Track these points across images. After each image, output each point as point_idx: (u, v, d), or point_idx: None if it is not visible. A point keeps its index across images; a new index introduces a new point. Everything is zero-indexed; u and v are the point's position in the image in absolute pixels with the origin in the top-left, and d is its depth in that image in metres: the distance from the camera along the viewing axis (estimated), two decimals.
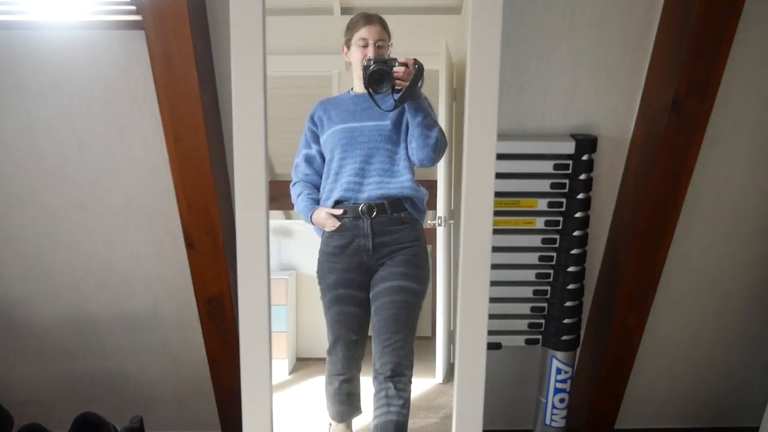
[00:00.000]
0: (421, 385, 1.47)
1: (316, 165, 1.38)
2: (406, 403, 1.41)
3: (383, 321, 1.38)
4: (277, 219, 1.49)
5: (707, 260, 1.74)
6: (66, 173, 1.55)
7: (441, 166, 1.40)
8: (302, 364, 1.55)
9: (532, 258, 1.55)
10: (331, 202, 1.35)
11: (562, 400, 1.62)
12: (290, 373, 1.54)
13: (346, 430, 1.47)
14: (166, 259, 1.66)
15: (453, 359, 1.44)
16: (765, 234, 1.72)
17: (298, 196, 1.37)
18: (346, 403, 1.44)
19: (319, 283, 1.40)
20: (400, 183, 1.35)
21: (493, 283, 1.51)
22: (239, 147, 1.08)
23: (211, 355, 1.66)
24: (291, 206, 1.39)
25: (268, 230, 1.14)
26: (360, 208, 1.35)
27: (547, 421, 1.65)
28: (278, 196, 1.43)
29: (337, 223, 1.35)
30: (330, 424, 1.49)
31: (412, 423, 1.42)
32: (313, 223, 1.38)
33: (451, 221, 1.47)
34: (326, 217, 1.35)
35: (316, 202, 1.37)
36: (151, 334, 1.79)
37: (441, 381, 1.52)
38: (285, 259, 1.51)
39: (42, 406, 1.83)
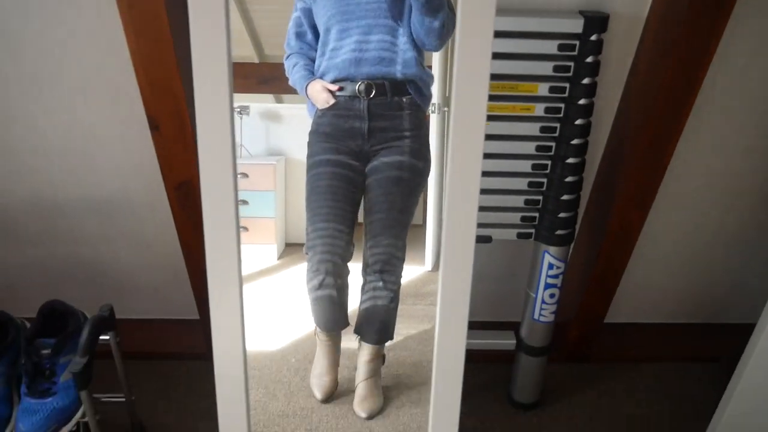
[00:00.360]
0: (410, 272, 1.41)
1: (309, 39, 1.24)
2: (395, 297, 1.37)
3: (377, 202, 1.30)
4: (265, 102, 1.41)
5: (717, 153, 1.63)
6: (11, 46, 1.39)
7: None
8: (291, 249, 1.52)
9: (529, 147, 1.43)
10: (327, 80, 1.23)
11: (552, 296, 1.57)
12: (279, 258, 1.52)
13: (331, 339, 1.43)
14: (132, 141, 1.53)
15: None
16: None
17: (293, 67, 1.25)
18: (329, 312, 1.39)
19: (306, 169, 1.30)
20: (405, 63, 1.21)
21: (485, 174, 1.41)
22: (195, 15, 0.91)
23: (185, 242, 1.58)
24: (281, 90, 1.29)
25: (233, 112, 1.00)
26: (357, 87, 1.22)
27: (536, 316, 1.61)
28: (268, 79, 1.35)
29: (332, 100, 1.23)
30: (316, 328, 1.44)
31: (399, 309, 1.38)
32: (308, 96, 1.25)
33: (446, 108, 1.35)
34: (321, 89, 1.22)
35: (313, 74, 1.24)
36: (123, 219, 1.70)
37: (430, 269, 1.49)
38: (273, 143, 1.44)
39: (9, 293, 1.77)
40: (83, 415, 1.35)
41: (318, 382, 1.44)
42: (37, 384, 1.32)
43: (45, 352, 1.31)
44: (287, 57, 1.26)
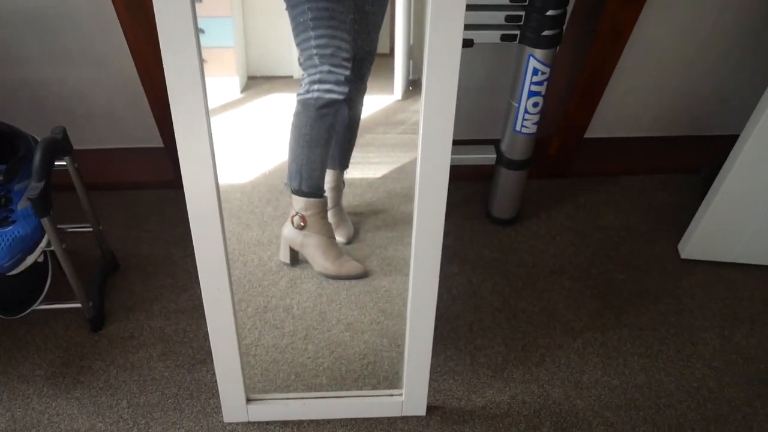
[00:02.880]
0: (379, 101, 1.36)
1: None
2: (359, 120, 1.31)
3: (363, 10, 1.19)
4: None
5: None
6: None
7: None
8: (254, 82, 1.40)
9: None
10: None
11: (535, 104, 1.48)
12: (242, 91, 1.41)
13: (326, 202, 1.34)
14: None
15: (411, 75, 1.40)
16: None
17: None
18: (329, 155, 1.29)
19: None
20: None
21: None
22: None
23: (139, 60, 1.43)
24: None
25: None
26: None
27: (518, 128, 1.54)
28: None
29: None
30: (295, 215, 1.34)
31: (370, 138, 1.35)
32: None
33: None
34: None
35: None
36: (66, 37, 1.53)
37: (400, 98, 1.42)
38: None
39: None
40: (48, 244, 1.28)
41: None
42: None
43: None
44: None
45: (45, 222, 1.23)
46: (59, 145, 1.29)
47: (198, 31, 0.85)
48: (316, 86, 1.22)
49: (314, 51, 1.19)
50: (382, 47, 1.30)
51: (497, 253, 1.68)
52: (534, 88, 1.45)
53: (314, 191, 1.33)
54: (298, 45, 1.20)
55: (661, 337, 1.49)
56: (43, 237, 1.28)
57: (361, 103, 1.31)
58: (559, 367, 1.42)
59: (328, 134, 1.29)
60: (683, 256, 1.67)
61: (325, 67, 1.20)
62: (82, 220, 1.47)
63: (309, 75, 1.21)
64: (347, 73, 1.22)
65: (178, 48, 0.84)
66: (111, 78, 1.64)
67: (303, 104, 1.24)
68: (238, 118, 1.42)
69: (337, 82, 1.22)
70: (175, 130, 0.88)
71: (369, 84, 1.29)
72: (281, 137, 1.35)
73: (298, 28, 1.19)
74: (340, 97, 1.24)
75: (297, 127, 1.26)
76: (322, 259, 1.39)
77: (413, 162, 1.62)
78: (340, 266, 1.39)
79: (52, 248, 1.29)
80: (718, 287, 1.61)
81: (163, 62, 0.82)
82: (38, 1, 1.47)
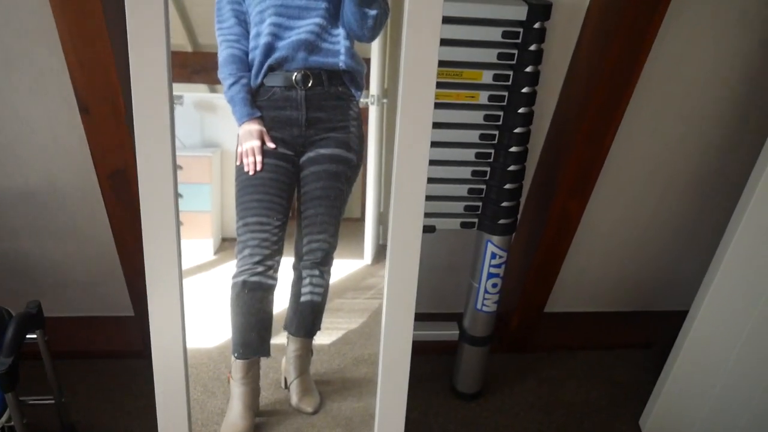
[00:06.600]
0: (349, 266, 1.41)
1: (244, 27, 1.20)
2: (326, 289, 1.34)
3: (316, 196, 1.26)
4: (200, 92, 1.35)
5: (653, 144, 1.68)
6: None
7: (375, 41, 1.22)
8: (228, 244, 1.45)
9: (473, 136, 1.43)
10: (262, 73, 1.18)
11: (494, 285, 1.57)
12: (215, 253, 1.47)
13: (249, 367, 1.33)
14: (61, 125, 1.45)
15: (382, 241, 1.44)
16: (714, 120, 1.67)
17: (232, 85, 1.19)
18: (256, 327, 1.31)
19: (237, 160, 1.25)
20: (339, 52, 1.18)
21: (430, 162, 1.40)
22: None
23: (118, 235, 1.50)
24: (215, 80, 1.21)
25: (172, 106, 0.95)
26: (294, 77, 1.17)
27: (478, 306, 1.61)
28: (201, 69, 1.28)
29: (259, 160, 1.19)
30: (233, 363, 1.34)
31: (339, 303, 1.38)
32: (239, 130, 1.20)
33: (385, 100, 1.33)
34: (254, 149, 1.18)
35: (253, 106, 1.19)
36: (51, 211, 1.61)
37: (370, 263, 1.47)
38: (208, 135, 1.38)
39: None
40: (9, 419, 1.27)
41: (230, 430, 1.33)
42: None
43: None
44: (223, 55, 1.18)
45: (9, 397, 1.22)
46: (33, 319, 1.31)
47: (177, 197, 0.92)
48: (243, 270, 1.25)
49: (243, 238, 1.25)
50: (353, 212, 1.37)
51: (462, 429, 1.68)
52: (493, 270, 1.54)
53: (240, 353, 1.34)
54: (236, 230, 1.27)
55: None
56: (4, 412, 1.26)
57: (324, 279, 1.33)
58: None
59: (257, 317, 1.30)
60: (645, 431, 1.69)
61: (247, 252, 1.25)
62: (46, 390, 1.45)
63: (238, 260, 1.26)
64: (271, 263, 1.26)
65: (158, 212, 0.91)
66: (89, 249, 1.70)
67: (232, 287, 1.28)
68: (210, 280, 1.44)
69: (260, 270, 1.26)
70: (147, 293, 0.92)
71: (339, 248, 1.32)
72: None
73: (236, 216, 1.26)
74: (267, 282, 1.27)
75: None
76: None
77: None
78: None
79: (11, 424, 1.27)
80: None
81: (142, 225, 0.89)
82: (29, 179, 1.56)
